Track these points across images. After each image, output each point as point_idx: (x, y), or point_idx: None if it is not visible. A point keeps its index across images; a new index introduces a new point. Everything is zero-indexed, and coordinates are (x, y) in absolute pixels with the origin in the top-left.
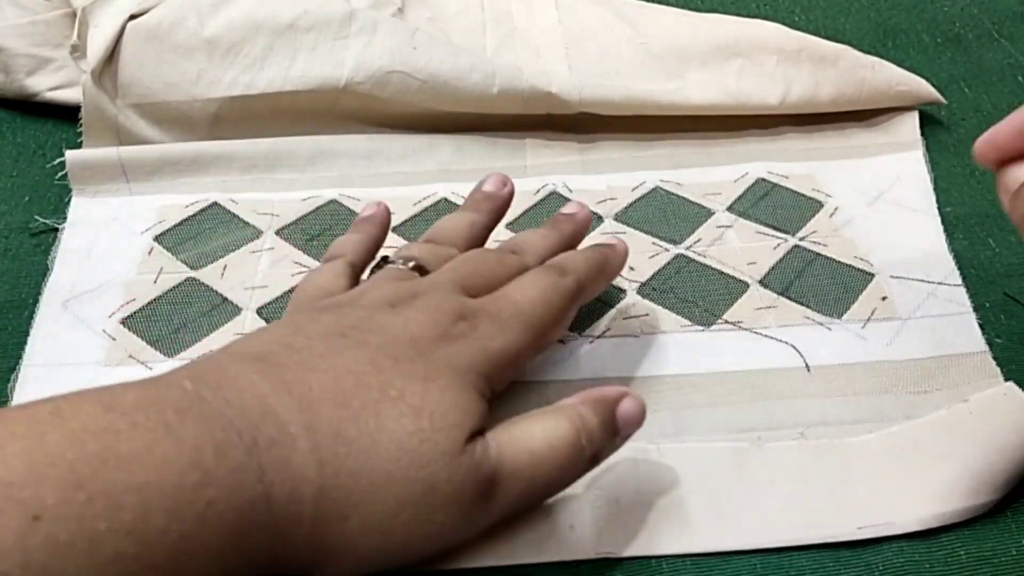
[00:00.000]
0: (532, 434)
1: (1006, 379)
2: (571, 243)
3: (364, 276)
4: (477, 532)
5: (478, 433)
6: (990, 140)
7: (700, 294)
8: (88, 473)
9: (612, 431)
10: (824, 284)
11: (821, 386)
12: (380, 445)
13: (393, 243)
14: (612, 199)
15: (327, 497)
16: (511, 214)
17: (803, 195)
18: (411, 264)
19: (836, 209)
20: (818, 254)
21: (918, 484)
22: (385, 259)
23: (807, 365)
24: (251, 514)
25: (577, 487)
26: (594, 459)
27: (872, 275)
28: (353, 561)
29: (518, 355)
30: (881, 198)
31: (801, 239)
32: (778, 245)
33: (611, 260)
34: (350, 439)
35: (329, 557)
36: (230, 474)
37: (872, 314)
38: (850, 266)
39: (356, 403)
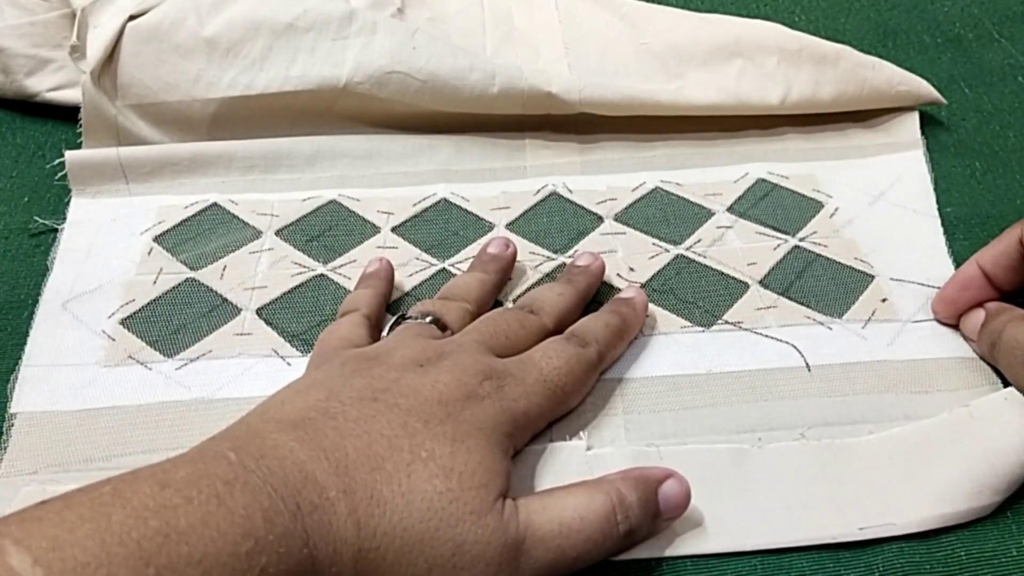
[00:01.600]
0: (564, 505)
1: (1005, 384)
2: (586, 295)
3: (384, 333)
4: None
5: (506, 495)
6: (940, 298)
7: (700, 295)
8: (153, 550)
9: (652, 511)
10: (824, 284)
11: (822, 386)
12: (413, 505)
13: (393, 243)
14: (612, 199)
15: (364, 558)
16: (511, 214)
17: (803, 195)
18: (428, 319)
19: (836, 209)
20: (818, 255)
21: (919, 485)
22: (402, 316)
23: (807, 364)
24: None
25: None
26: (629, 535)
27: (872, 277)
28: None
29: (539, 418)
30: (882, 198)
31: (801, 240)
32: (778, 246)
33: (630, 322)
34: (384, 500)
35: None
36: (278, 540)
37: (872, 315)
38: (850, 267)
39: (389, 465)
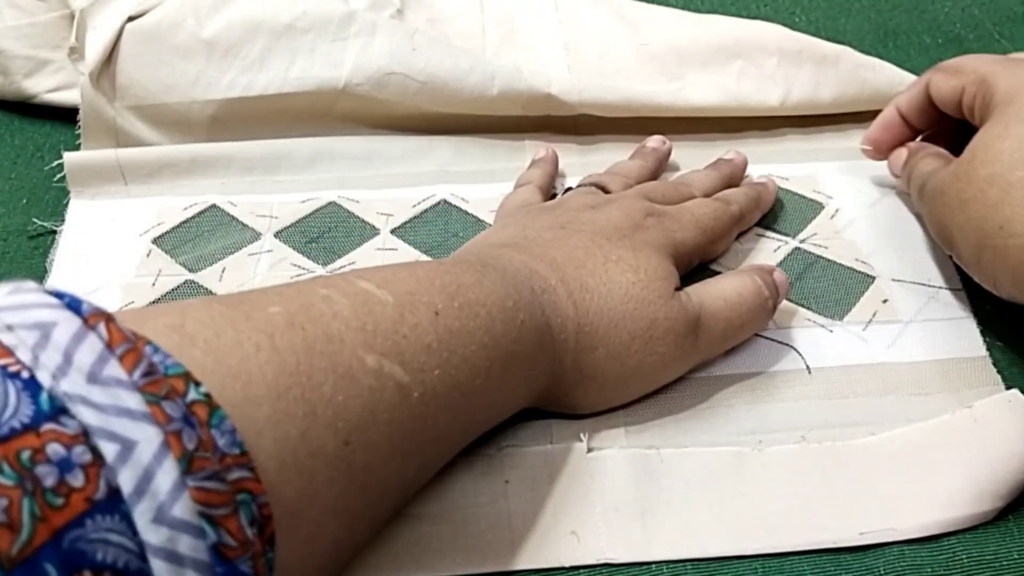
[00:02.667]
0: (724, 287)
1: (1006, 385)
2: (730, 183)
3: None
4: (689, 367)
5: (678, 290)
6: (866, 138)
7: None
8: (452, 292)
9: (775, 291)
10: (825, 286)
11: (822, 388)
12: (613, 293)
13: (393, 246)
14: None
15: (582, 332)
16: None
17: (804, 197)
18: (594, 187)
19: (837, 211)
20: (819, 256)
21: (921, 490)
22: (569, 188)
23: (808, 367)
24: (541, 338)
25: (579, 493)
26: (773, 310)
27: (873, 278)
28: (600, 384)
29: (694, 251)
30: (883, 200)
31: (802, 241)
32: (779, 247)
33: (764, 196)
34: (591, 288)
35: (585, 380)
36: (528, 307)
37: (873, 316)
38: (851, 268)
39: (590, 264)
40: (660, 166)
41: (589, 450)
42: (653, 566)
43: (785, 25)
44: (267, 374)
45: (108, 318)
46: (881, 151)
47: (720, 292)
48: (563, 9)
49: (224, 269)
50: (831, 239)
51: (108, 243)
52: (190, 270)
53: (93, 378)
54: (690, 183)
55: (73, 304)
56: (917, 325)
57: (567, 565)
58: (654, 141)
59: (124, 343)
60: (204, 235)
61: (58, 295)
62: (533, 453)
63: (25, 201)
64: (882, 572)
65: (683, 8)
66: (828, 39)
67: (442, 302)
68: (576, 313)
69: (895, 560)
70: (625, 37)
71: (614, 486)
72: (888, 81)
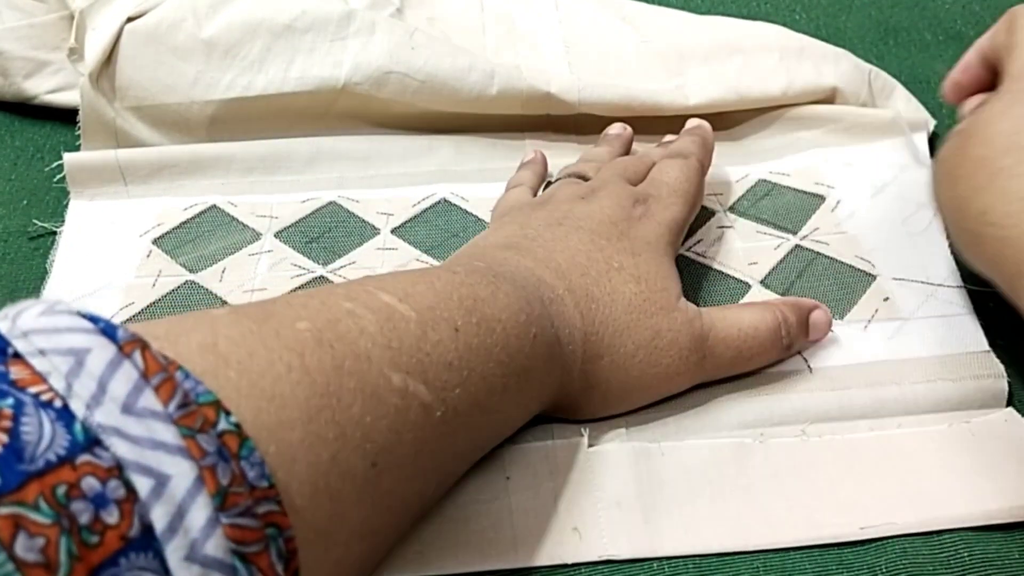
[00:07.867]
0: (741, 316)
1: (1009, 375)
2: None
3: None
4: (691, 384)
5: (682, 296)
6: (946, 82)
7: (701, 295)
8: (470, 307)
9: (804, 331)
10: (826, 284)
11: (823, 382)
12: (617, 303)
13: (393, 245)
14: None
15: (589, 341)
16: None
17: (805, 192)
18: (574, 177)
19: (838, 202)
20: (819, 253)
21: (921, 488)
22: (550, 181)
23: (809, 367)
24: (551, 350)
25: (580, 489)
26: (788, 348)
27: (874, 276)
28: (603, 392)
29: (684, 222)
30: (884, 190)
31: (803, 238)
32: (779, 245)
33: (707, 136)
34: (596, 298)
35: (590, 389)
36: (539, 319)
37: (874, 314)
38: (851, 266)
39: (593, 272)
40: (626, 150)
41: (590, 445)
42: (655, 563)
43: (785, 23)
44: (299, 396)
45: (143, 345)
46: (959, 96)
47: (736, 320)
48: (563, 8)
49: (224, 269)
50: (832, 234)
51: (108, 244)
52: (190, 271)
53: (128, 409)
54: (646, 153)
55: (108, 330)
56: (917, 322)
57: (569, 562)
58: (616, 128)
59: (159, 372)
60: (204, 235)
61: (92, 319)
62: (534, 449)
63: (25, 202)
64: (884, 570)
65: (683, 8)
66: (828, 37)
67: (461, 318)
68: (583, 323)
69: (896, 558)
70: (625, 36)
71: (615, 481)
72: (883, 88)
